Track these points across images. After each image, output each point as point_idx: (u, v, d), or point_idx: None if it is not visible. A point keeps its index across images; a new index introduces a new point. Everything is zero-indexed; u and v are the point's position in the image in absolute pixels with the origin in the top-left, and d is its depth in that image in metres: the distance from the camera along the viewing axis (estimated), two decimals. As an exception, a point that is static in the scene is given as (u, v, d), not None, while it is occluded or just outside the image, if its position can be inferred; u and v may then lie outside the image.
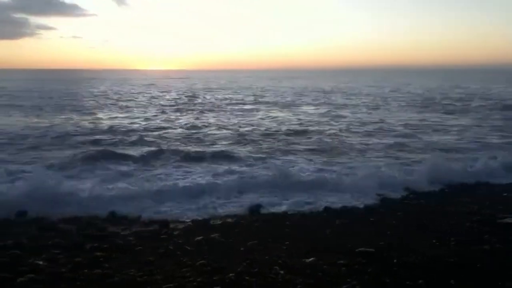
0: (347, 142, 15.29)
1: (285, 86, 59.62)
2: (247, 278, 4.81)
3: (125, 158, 11.99)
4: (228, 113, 25.07)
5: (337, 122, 21.04)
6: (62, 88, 49.04)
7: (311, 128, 18.68)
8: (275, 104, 31.49)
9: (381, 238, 6.20)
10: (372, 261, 5.27)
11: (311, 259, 5.33)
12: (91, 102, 31.42)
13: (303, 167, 10.96)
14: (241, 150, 13.61)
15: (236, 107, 28.61)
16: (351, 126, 19.37)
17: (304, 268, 5.06)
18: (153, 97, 37.57)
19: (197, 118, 22.20)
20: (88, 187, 8.56)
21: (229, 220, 7.48)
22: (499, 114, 24.19)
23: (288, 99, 36.44)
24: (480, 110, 26.57)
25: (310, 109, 27.86)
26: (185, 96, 38.87)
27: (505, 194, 8.85)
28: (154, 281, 4.76)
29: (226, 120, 21.52)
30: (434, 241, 6.07)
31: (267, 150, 13.71)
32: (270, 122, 20.90)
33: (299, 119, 22.10)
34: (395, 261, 5.24)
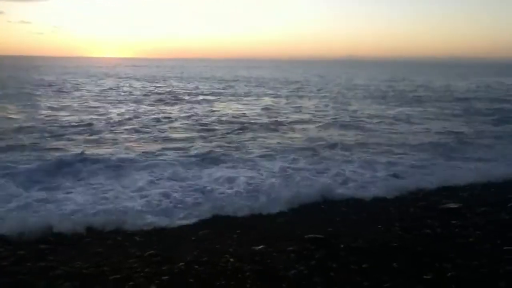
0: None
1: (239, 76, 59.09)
2: (196, 267, 4.82)
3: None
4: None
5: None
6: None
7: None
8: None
9: (331, 225, 6.37)
10: (320, 247, 5.40)
11: (260, 247, 5.40)
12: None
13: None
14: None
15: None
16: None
17: (254, 256, 5.12)
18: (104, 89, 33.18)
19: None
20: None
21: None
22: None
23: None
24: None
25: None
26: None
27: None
28: (101, 273, 4.68)
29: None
30: (380, 227, 6.29)
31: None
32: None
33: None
34: (342, 246, 5.40)
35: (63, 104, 21.07)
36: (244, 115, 18.88)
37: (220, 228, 6.29)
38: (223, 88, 34.95)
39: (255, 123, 16.43)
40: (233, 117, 18.09)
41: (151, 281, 4.46)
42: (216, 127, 15.48)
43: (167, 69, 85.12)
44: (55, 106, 20.35)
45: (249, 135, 14.09)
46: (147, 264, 4.87)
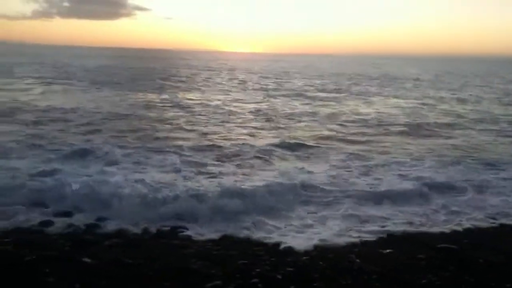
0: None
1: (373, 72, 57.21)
2: (320, 263, 4.81)
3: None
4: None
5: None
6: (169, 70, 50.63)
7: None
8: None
9: (467, 236, 5.84)
10: (453, 258, 4.99)
11: (388, 250, 5.18)
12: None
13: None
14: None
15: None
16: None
17: (380, 258, 4.94)
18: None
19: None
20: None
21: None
22: None
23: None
24: None
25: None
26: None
27: None
28: (230, 256, 4.92)
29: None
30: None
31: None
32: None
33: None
34: (480, 261, 4.92)
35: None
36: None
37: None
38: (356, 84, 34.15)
39: (403, 124, 15.15)
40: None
41: (276, 270, 4.57)
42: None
43: (295, 64, 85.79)
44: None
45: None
46: (272, 254, 5.00)
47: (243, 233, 5.69)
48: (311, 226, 6.07)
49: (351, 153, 10.46)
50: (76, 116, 14.39)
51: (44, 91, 21.32)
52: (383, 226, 6.08)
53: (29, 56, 67.45)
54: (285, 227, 5.99)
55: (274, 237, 5.57)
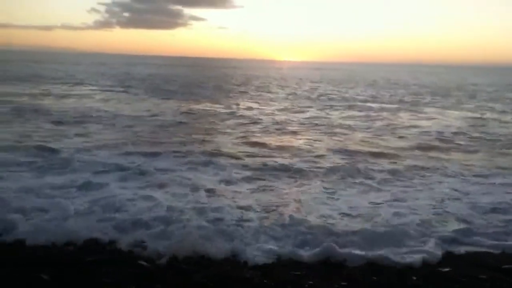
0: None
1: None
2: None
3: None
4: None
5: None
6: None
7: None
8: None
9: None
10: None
11: (446, 269, 4.93)
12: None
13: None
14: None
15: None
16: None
17: (438, 275, 4.72)
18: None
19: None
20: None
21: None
22: None
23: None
24: None
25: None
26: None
27: None
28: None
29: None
30: None
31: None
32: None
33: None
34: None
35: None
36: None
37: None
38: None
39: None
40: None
41: (329, 283, 4.48)
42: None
43: (346, 72, 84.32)
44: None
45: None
46: (325, 266, 4.93)
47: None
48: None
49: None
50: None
51: (107, 98, 22.46)
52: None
53: (92, 65, 71.24)
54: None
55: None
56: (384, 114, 19.94)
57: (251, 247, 5.24)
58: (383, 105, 24.03)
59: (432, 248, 5.40)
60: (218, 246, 5.18)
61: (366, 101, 26.42)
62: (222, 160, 9.77)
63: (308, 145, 12.15)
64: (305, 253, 5.17)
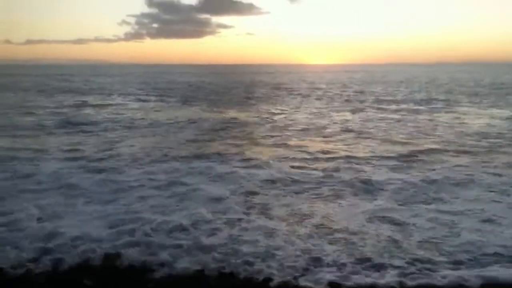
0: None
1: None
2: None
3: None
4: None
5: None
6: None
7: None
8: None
9: None
10: None
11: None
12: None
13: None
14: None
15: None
16: None
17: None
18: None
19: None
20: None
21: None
22: None
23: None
24: None
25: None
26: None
27: None
28: None
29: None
30: None
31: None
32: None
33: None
34: None
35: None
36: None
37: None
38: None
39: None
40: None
41: None
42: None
43: (374, 74, 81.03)
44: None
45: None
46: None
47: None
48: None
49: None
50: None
51: (143, 107, 22.92)
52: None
53: (125, 76, 72.62)
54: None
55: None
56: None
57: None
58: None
59: None
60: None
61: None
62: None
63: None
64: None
